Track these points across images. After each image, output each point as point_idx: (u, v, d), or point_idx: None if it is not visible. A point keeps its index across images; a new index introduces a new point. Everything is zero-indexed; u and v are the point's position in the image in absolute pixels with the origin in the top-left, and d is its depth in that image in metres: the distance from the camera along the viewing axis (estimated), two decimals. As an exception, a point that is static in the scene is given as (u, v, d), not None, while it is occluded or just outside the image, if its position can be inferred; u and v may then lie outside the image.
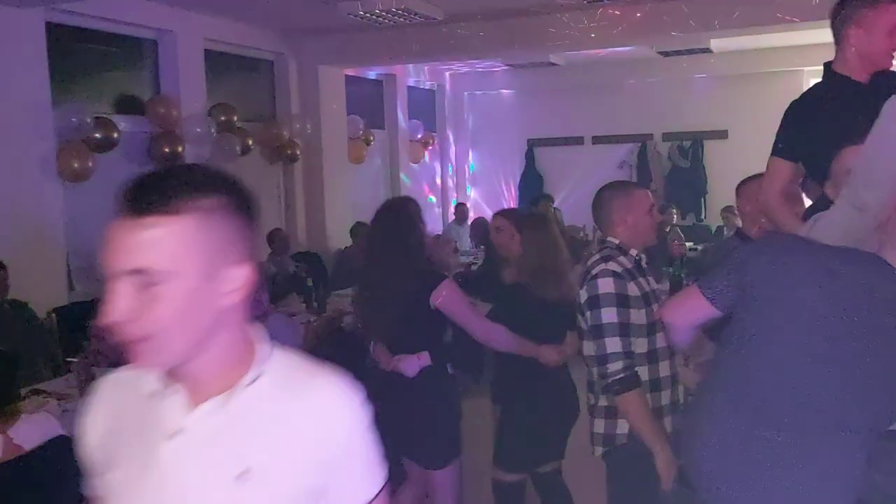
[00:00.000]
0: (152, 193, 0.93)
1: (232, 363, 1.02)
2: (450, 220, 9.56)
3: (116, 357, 1.46)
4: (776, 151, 2.41)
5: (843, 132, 2.03)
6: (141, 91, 6.00)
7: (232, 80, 6.97)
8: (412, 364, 2.82)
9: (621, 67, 9.24)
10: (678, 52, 8.45)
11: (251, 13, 6.33)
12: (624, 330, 2.28)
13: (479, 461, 3.21)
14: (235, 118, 6.41)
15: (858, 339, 1.52)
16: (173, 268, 0.92)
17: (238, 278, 0.98)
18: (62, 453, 2.47)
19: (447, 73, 10.28)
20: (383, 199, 3.08)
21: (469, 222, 8.46)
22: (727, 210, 7.44)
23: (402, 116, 9.16)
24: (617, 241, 2.46)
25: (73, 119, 4.96)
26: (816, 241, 1.70)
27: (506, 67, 9.85)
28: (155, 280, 0.92)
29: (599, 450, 2.46)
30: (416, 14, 5.92)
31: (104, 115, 5.36)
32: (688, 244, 7.45)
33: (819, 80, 2.44)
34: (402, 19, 6.06)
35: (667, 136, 9.67)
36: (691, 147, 9.54)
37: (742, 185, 2.95)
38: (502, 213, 3.61)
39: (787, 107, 2.44)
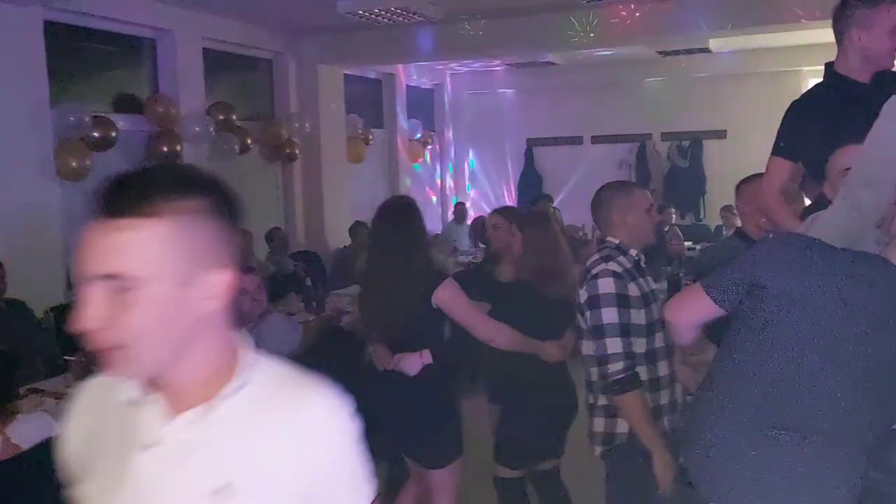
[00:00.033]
0: (128, 194, 0.89)
1: (214, 372, 0.97)
2: (449, 220, 9.56)
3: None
4: (776, 151, 2.41)
5: (843, 132, 2.04)
6: (139, 90, 5.99)
7: (231, 79, 6.96)
8: (414, 362, 2.81)
9: (620, 67, 9.23)
10: (677, 52, 8.45)
11: (250, 12, 6.33)
12: (624, 330, 2.28)
13: (477, 460, 3.20)
14: (234, 117, 6.40)
15: (869, 340, 1.53)
16: (148, 274, 0.88)
17: (218, 284, 0.93)
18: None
19: (446, 73, 10.27)
20: (382, 198, 3.07)
21: (468, 222, 8.46)
22: (726, 210, 7.44)
23: (401, 116, 9.15)
24: (616, 241, 2.46)
25: (72, 118, 4.95)
26: (828, 243, 1.70)
27: (505, 67, 9.84)
28: (129, 286, 0.87)
29: (598, 449, 2.46)
30: (414, 13, 5.92)
31: (102, 114, 5.35)
32: (686, 244, 7.46)
33: (819, 79, 2.44)
34: (401, 18, 6.05)
35: (666, 136, 9.67)
36: (690, 147, 9.55)
37: (741, 185, 2.95)
38: (498, 211, 3.63)
39: (786, 106, 2.45)
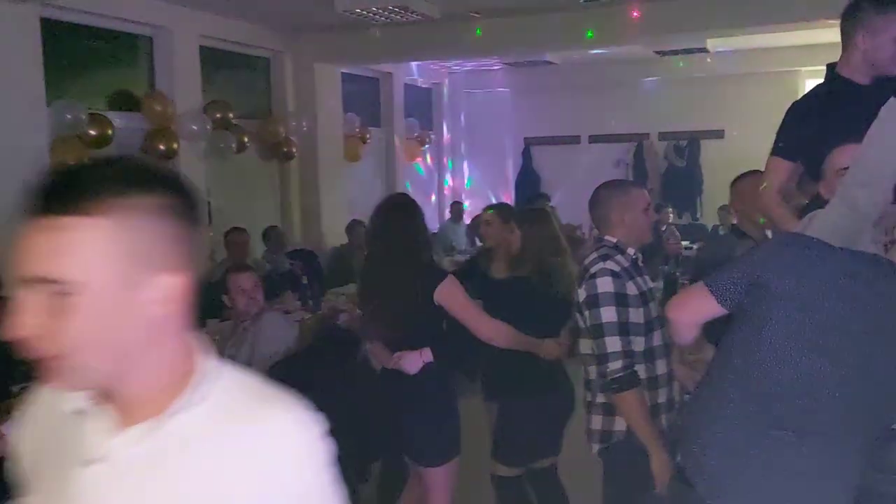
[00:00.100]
0: (67, 190, 0.80)
1: (168, 383, 0.88)
2: (446, 219, 9.56)
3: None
4: (776, 151, 2.41)
5: (843, 133, 2.04)
6: (136, 87, 5.97)
7: (228, 77, 6.95)
8: (415, 361, 2.80)
9: (618, 67, 9.24)
10: (675, 52, 8.46)
11: (247, 10, 6.32)
12: (623, 329, 2.28)
13: (475, 459, 3.20)
14: (231, 115, 6.38)
15: (871, 340, 1.53)
16: (89, 278, 0.80)
17: (166, 288, 0.84)
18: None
19: (444, 72, 10.27)
20: (379, 197, 3.06)
21: (465, 221, 8.46)
22: (723, 209, 7.45)
23: (398, 114, 9.14)
24: (614, 240, 2.46)
25: (68, 115, 4.93)
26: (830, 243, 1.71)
27: (503, 66, 9.84)
28: (67, 290, 0.79)
29: (596, 446, 2.46)
30: (412, 12, 5.91)
31: (99, 112, 5.34)
32: (683, 243, 7.47)
33: (817, 80, 2.44)
34: (398, 17, 6.04)
35: (663, 136, 9.69)
36: (687, 146, 9.57)
37: (736, 182, 2.96)
38: (491, 207, 3.63)
39: (783, 106, 2.46)
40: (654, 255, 5.68)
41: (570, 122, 9.92)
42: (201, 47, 6.24)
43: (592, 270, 2.35)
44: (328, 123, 7.60)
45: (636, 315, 2.33)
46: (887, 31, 2.22)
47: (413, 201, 2.96)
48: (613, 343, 2.27)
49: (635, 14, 6.17)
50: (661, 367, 2.41)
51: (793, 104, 2.45)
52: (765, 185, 2.43)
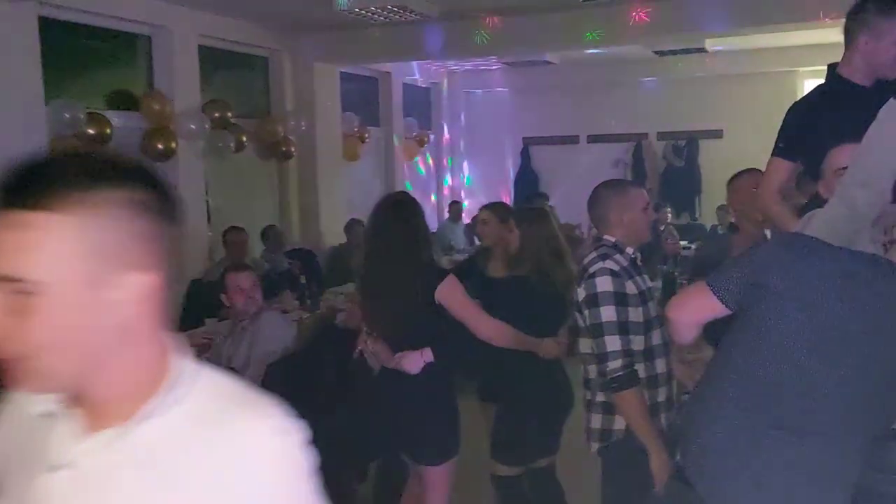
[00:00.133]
0: (30, 185, 0.77)
1: (140, 386, 0.84)
2: (444, 219, 9.56)
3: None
4: (777, 151, 2.42)
5: (843, 134, 2.04)
6: (135, 86, 5.97)
7: (226, 77, 6.94)
8: (416, 361, 2.78)
9: (617, 66, 9.25)
10: (673, 52, 8.47)
11: (246, 9, 6.31)
12: (623, 328, 2.28)
13: (474, 459, 3.20)
14: (230, 115, 6.38)
15: (871, 340, 1.53)
16: (52, 277, 0.76)
17: (136, 287, 0.80)
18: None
19: (443, 71, 10.26)
20: (378, 196, 3.03)
21: (463, 220, 8.46)
22: (722, 209, 7.46)
23: (397, 114, 9.14)
24: (613, 240, 2.46)
25: (66, 114, 4.93)
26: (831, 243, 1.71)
27: (502, 66, 9.84)
28: (28, 289, 0.76)
29: (595, 445, 2.46)
30: (411, 11, 5.90)
31: (97, 111, 5.33)
32: (682, 243, 7.48)
33: (815, 80, 2.45)
34: (397, 17, 6.04)
35: (662, 136, 9.70)
36: (686, 146, 9.58)
37: (732, 180, 2.97)
38: (488, 206, 3.61)
39: (782, 106, 2.46)
40: (653, 254, 5.69)
41: (569, 122, 9.92)
42: (200, 46, 6.23)
43: (591, 270, 2.35)
44: (327, 123, 7.59)
45: (635, 314, 2.33)
46: (891, 35, 2.22)
47: (413, 199, 2.93)
48: (613, 342, 2.27)
49: (635, 14, 6.17)
50: (660, 366, 2.41)
51: (793, 104, 2.46)
52: (763, 184, 2.44)
